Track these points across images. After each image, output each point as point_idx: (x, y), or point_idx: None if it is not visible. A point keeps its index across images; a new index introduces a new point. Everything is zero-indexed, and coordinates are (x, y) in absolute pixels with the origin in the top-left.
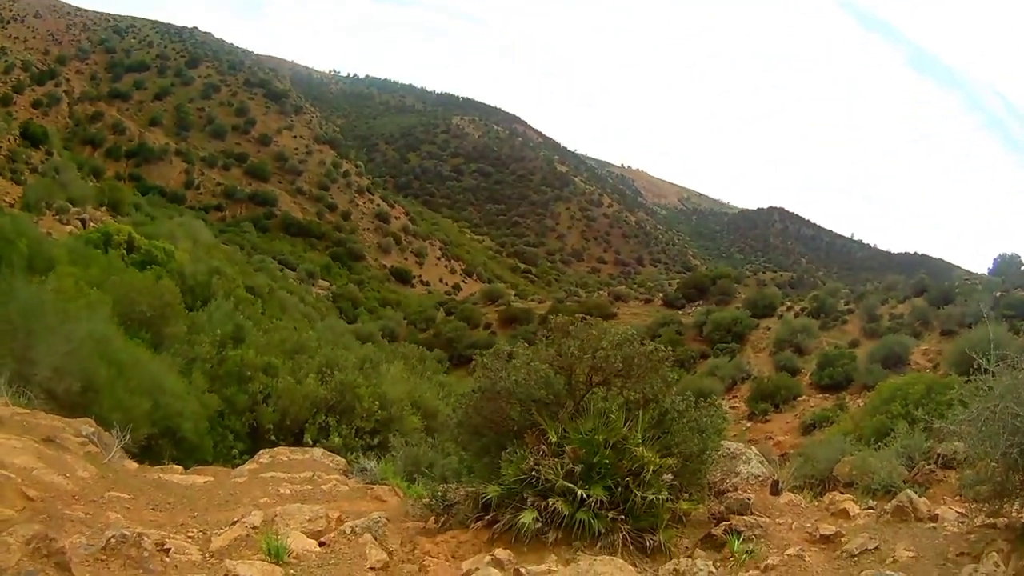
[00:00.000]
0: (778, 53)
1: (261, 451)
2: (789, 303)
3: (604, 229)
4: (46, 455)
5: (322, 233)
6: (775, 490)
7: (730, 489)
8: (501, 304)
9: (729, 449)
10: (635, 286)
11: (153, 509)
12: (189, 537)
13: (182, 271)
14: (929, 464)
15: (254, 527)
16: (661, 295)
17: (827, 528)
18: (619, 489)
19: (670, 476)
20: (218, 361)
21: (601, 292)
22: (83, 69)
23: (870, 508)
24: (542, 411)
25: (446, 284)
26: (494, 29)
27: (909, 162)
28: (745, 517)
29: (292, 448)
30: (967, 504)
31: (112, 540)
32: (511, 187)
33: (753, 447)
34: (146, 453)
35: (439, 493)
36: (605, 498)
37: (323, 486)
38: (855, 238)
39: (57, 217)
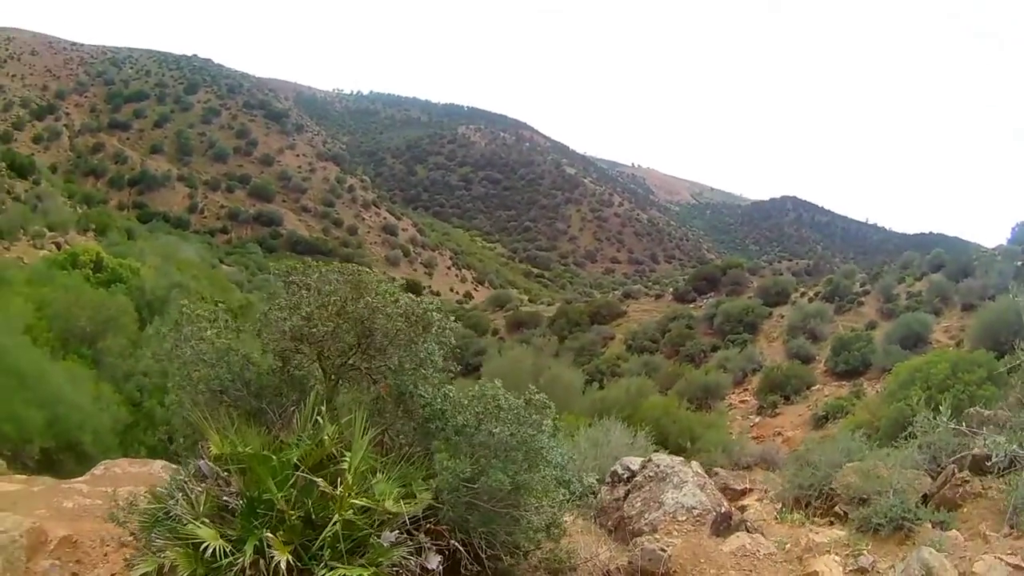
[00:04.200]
0: (778, 44)
1: (101, 463)
2: (803, 289)
3: (616, 229)
4: None
5: (329, 249)
6: (720, 529)
7: (646, 529)
8: (509, 309)
9: (658, 467)
10: (649, 283)
11: None
12: None
13: (142, 287)
14: (961, 471)
15: None
16: (672, 290)
17: None
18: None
19: (396, 533)
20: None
21: (615, 292)
22: (82, 102)
23: (862, 571)
24: (225, 408)
25: (457, 293)
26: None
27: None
28: None
29: (133, 460)
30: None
31: None
32: (520, 193)
33: (693, 463)
34: (46, 466)
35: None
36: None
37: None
38: (870, 222)
39: (32, 243)
